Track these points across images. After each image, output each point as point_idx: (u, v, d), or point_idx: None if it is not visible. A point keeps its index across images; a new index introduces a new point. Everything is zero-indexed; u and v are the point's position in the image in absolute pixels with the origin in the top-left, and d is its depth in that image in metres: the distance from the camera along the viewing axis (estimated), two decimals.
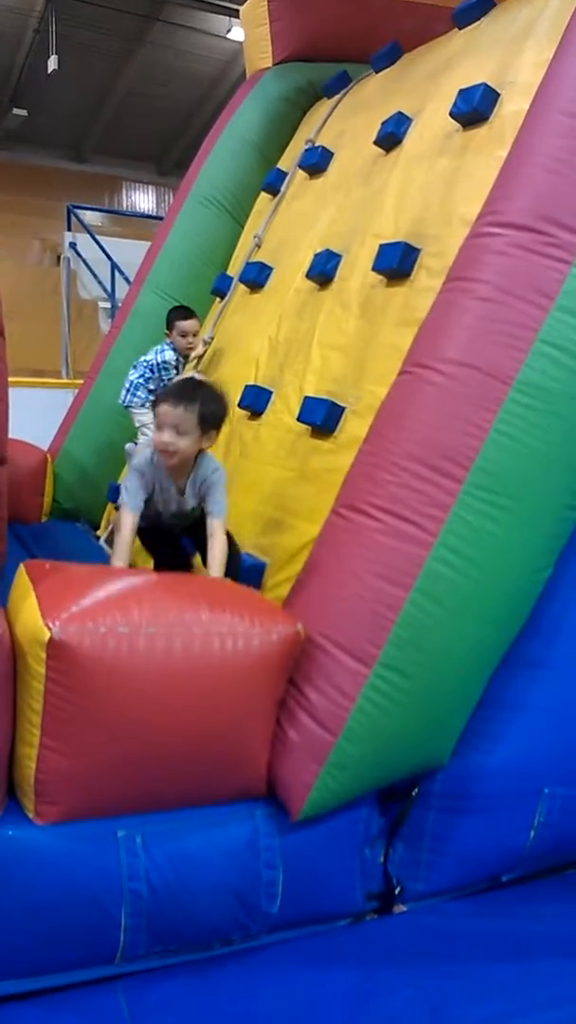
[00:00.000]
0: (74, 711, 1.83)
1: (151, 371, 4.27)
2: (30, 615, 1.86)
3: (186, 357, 4.36)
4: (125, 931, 1.91)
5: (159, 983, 1.97)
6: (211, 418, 2.65)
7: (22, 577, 2.10)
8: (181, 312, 4.31)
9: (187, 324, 4.27)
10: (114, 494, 4.68)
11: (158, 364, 4.25)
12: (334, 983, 1.99)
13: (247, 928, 2.06)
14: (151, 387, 4.28)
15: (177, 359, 4.29)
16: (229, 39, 13.66)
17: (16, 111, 14.76)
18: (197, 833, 2.00)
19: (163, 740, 1.92)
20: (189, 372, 4.38)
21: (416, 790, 2.29)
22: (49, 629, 1.79)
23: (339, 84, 4.62)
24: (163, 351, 4.27)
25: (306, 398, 3.25)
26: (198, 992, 1.95)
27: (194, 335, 4.29)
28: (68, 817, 1.90)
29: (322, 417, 3.11)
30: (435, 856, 2.29)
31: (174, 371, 4.27)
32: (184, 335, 4.27)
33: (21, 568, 2.16)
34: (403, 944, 2.16)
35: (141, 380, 4.30)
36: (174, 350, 4.27)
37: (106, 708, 1.85)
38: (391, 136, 3.56)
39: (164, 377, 4.24)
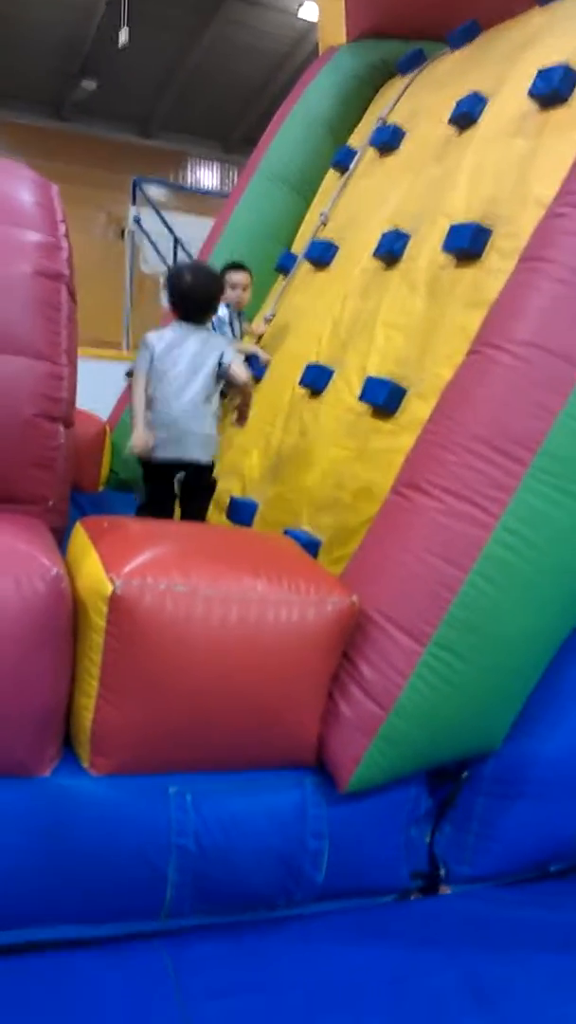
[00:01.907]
0: (131, 665, 1.88)
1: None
2: (92, 570, 1.91)
3: (240, 312, 4.32)
4: (172, 886, 1.95)
5: (203, 942, 2.00)
6: None
7: (80, 534, 2.14)
8: (232, 265, 4.30)
9: (237, 276, 4.24)
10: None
11: (213, 323, 4.23)
12: (376, 959, 2.00)
13: (291, 895, 2.09)
14: None
15: (230, 315, 4.25)
16: (299, 17, 13.53)
17: (85, 83, 14.84)
18: (246, 796, 2.03)
19: (215, 702, 1.95)
20: (249, 347, 4.37)
21: (466, 773, 2.29)
22: (112, 583, 1.84)
23: (413, 62, 4.55)
24: None
25: (368, 378, 3.24)
26: (241, 954, 1.98)
27: (244, 288, 4.27)
28: (121, 770, 1.94)
29: (384, 398, 3.10)
30: (482, 841, 2.28)
31: (228, 327, 4.23)
32: (234, 287, 4.23)
33: (78, 525, 2.21)
34: (448, 926, 2.17)
35: None
36: (227, 306, 4.23)
37: (161, 665, 1.89)
38: (466, 115, 3.51)
39: (220, 334, 4.22)
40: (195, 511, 3.33)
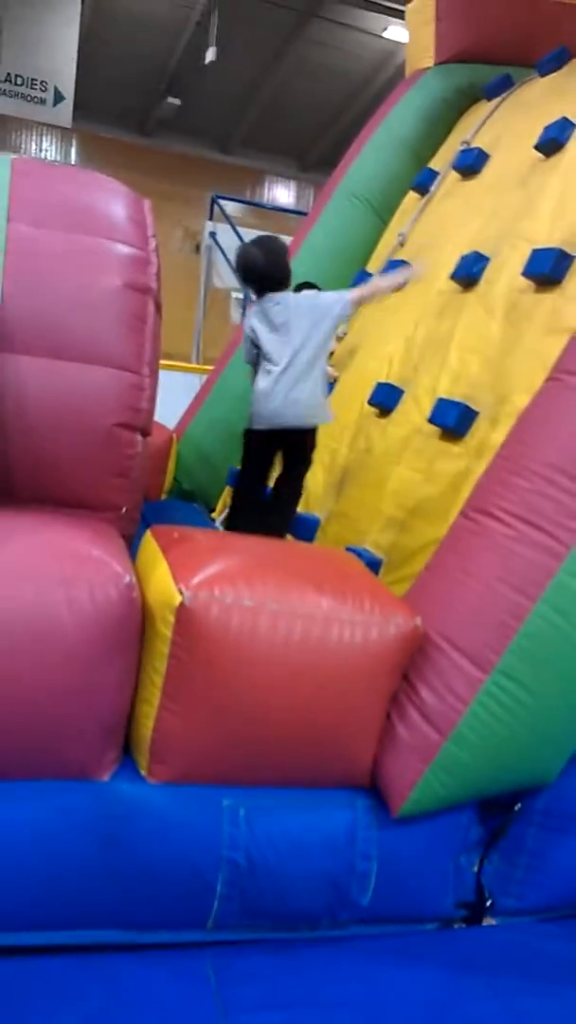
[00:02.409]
0: (194, 677, 1.89)
1: None
2: (161, 579, 1.93)
3: None
4: (219, 899, 1.96)
5: (247, 957, 2.01)
6: None
7: (150, 544, 2.17)
8: (307, 285, 4.29)
9: None
10: (233, 479, 4.76)
11: None
12: (418, 984, 1.98)
13: (336, 915, 2.08)
14: None
15: None
16: (384, 37, 13.62)
17: (170, 100, 15.16)
18: (298, 814, 2.03)
19: (274, 717, 1.96)
20: None
21: (519, 805, 2.25)
22: (181, 594, 1.86)
23: (500, 87, 4.54)
24: None
25: (439, 400, 3.23)
26: (284, 971, 1.97)
27: None
28: (178, 779, 1.96)
29: (455, 420, 3.08)
30: (531, 873, 2.25)
31: None
32: None
33: (148, 534, 2.24)
34: (491, 956, 2.14)
35: None
36: None
37: (224, 678, 1.91)
38: (553, 141, 3.49)
39: None
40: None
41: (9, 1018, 1.70)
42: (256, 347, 3.18)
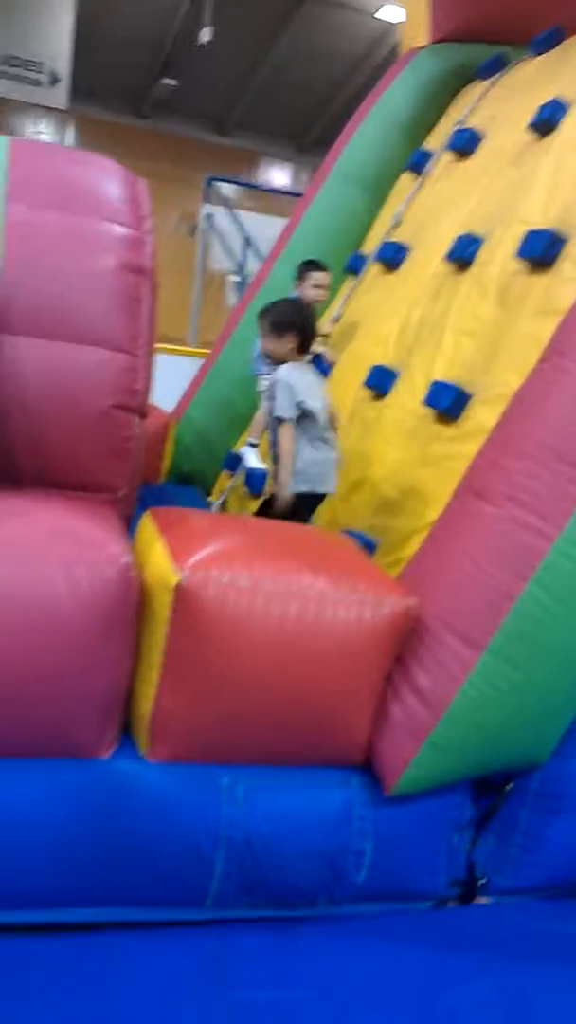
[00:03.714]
0: (192, 656, 1.91)
1: None
2: (159, 560, 1.95)
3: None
4: (218, 877, 1.98)
5: (245, 935, 2.03)
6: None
7: (148, 525, 2.18)
8: (315, 263, 4.26)
9: (320, 275, 4.19)
10: (230, 462, 4.76)
11: None
12: (412, 962, 2.00)
13: (332, 893, 2.10)
14: None
15: None
16: (377, 18, 13.50)
17: (165, 81, 15.02)
18: (296, 792, 2.05)
19: (271, 696, 1.98)
20: (314, 347, 4.38)
21: (511, 785, 2.28)
22: (178, 574, 1.87)
23: (494, 67, 4.52)
24: None
25: (434, 382, 3.23)
26: (281, 949, 2.00)
27: (325, 288, 4.23)
28: (177, 758, 1.98)
29: (449, 403, 3.09)
30: (524, 853, 2.27)
31: None
32: (317, 286, 4.19)
33: (146, 516, 2.25)
34: (485, 935, 2.16)
35: None
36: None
37: (220, 657, 1.92)
38: (547, 122, 3.48)
39: None
40: None
41: (8, 994, 1.72)
42: (308, 409, 3.06)
